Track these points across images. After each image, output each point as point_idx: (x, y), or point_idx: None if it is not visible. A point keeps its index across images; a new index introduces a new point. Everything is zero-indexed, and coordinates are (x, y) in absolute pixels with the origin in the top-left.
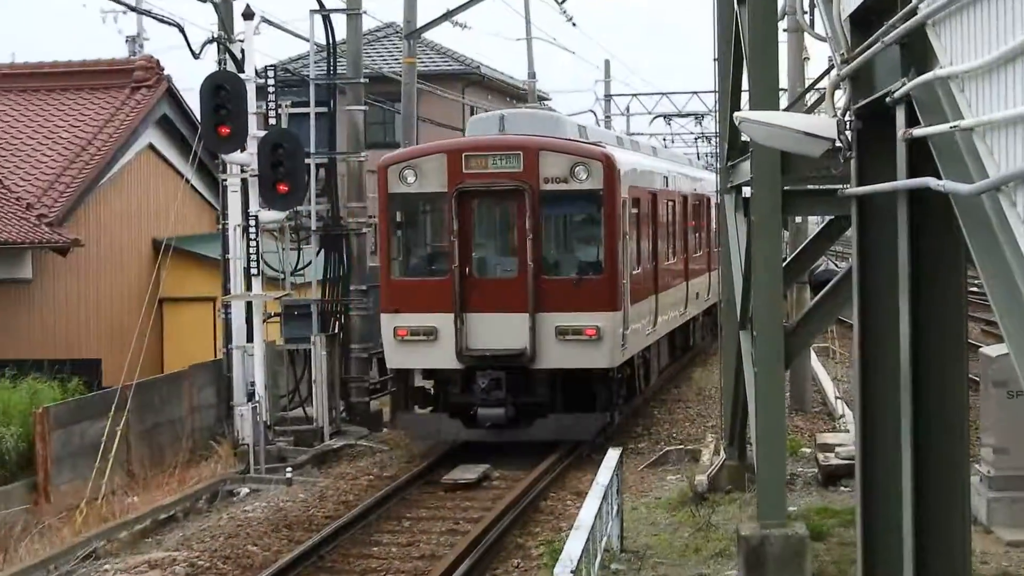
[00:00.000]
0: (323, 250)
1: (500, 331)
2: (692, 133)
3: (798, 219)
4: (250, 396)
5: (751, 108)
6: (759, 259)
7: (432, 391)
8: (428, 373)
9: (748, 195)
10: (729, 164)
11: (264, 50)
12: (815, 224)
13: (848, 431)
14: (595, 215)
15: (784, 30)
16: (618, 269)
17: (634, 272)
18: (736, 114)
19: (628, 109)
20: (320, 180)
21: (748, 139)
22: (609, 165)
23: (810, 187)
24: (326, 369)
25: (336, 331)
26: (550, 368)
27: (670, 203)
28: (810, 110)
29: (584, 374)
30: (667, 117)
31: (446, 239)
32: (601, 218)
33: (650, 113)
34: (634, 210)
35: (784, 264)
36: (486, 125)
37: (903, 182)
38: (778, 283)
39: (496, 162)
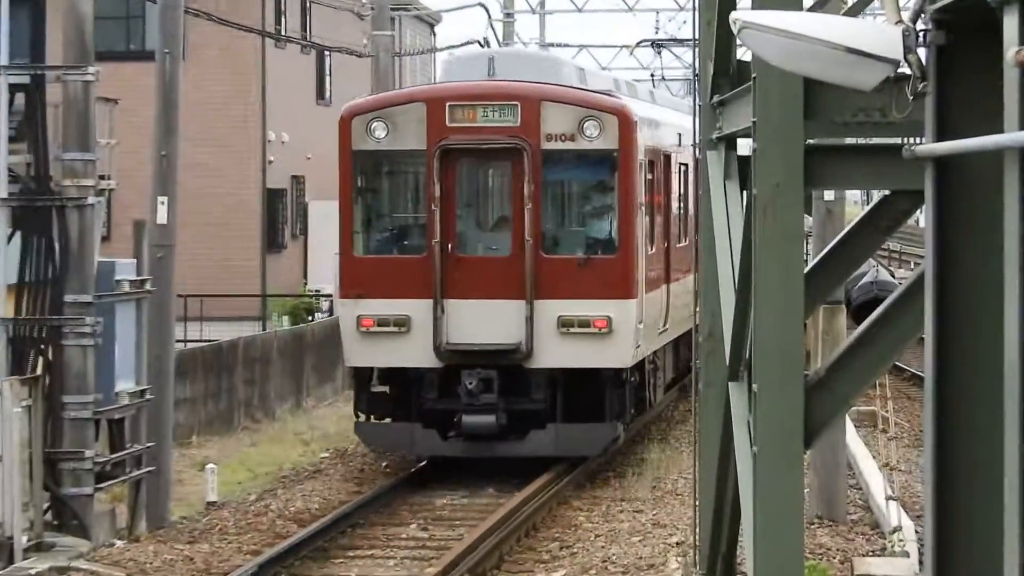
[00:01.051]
0: (19, 233)
1: (489, 322)
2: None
3: (828, 195)
4: None
5: (755, 6)
6: (765, 262)
7: (390, 393)
8: (395, 373)
9: (747, 152)
10: (716, 101)
11: None
12: (855, 205)
13: (908, 555)
14: (607, 181)
15: None
16: (634, 247)
17: (649, 253)
18: (733, 16)
19: (543, 4)
20: (16, 114)
21: (750, 59)
22: (625, 120)
23: (850, 142)
24: (18, 438)
25: (39, 372)
26: (550, 367)
27: (682, 167)
28: (854, 11)
29: (591, 375)
30: (657, 45)
31: (424, 208)
32: (615, 184)
33: (580, 10)
34: (649, 175)
35: (806, 271)
36: (470, 67)
37: (1015, 135)
38: (796, 304)
39: (487, 114)
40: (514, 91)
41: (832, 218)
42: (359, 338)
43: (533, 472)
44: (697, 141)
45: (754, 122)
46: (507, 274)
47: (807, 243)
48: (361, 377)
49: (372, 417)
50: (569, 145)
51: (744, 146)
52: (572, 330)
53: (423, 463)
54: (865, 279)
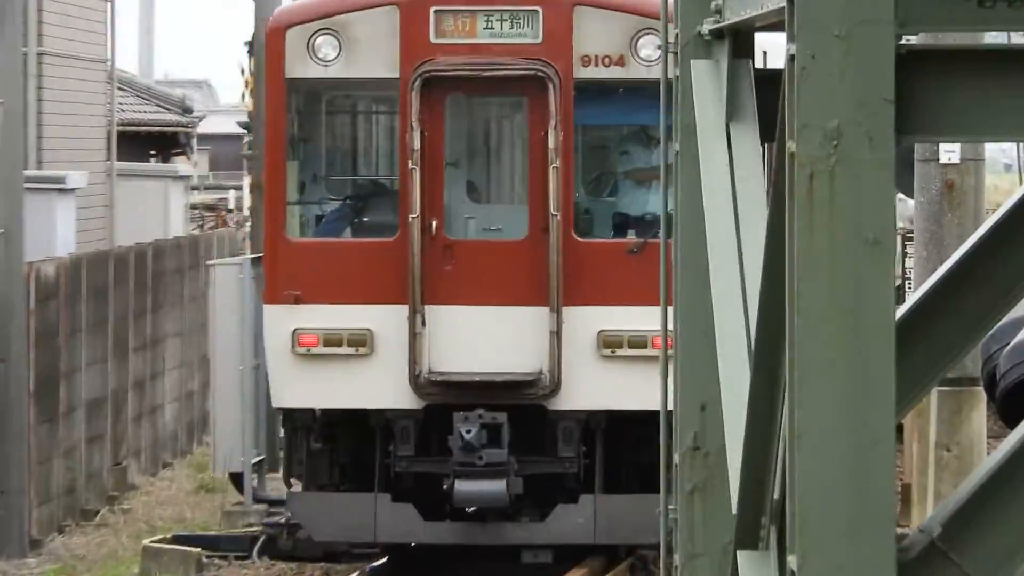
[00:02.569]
0: None
1: (494, 340)
2: None
3: (947, 153)
4: None
5: None
6: (813, 294)
7: (342, 448)
8: (349, 418)
9: (776, 63)
10: None
11: None
12: (1006, 172)
13: None
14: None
15: None
16: None
17: None
18: None
19: None
20: None
21: None
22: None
23: (992, 40)
24: None
25: None
26: (586, 409)
27: None
28: None
29: (647, 421)
30: None
31: (396, 167)
32: None
33: None
34: None
35: (901, 315)
36: None
37: None
38: (880, 384)
39: (492, 24)
40: None
41: (956, 199)
42: (294, 364)
43: (558, 570)
44: (667, 38)
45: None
46: (521, 267)
47: (903, 253)
48: (297, 424)
49: (312, 486)
50: (616, 73)
51: (770, 49)
52: (619, 352)
53: (383, 560)
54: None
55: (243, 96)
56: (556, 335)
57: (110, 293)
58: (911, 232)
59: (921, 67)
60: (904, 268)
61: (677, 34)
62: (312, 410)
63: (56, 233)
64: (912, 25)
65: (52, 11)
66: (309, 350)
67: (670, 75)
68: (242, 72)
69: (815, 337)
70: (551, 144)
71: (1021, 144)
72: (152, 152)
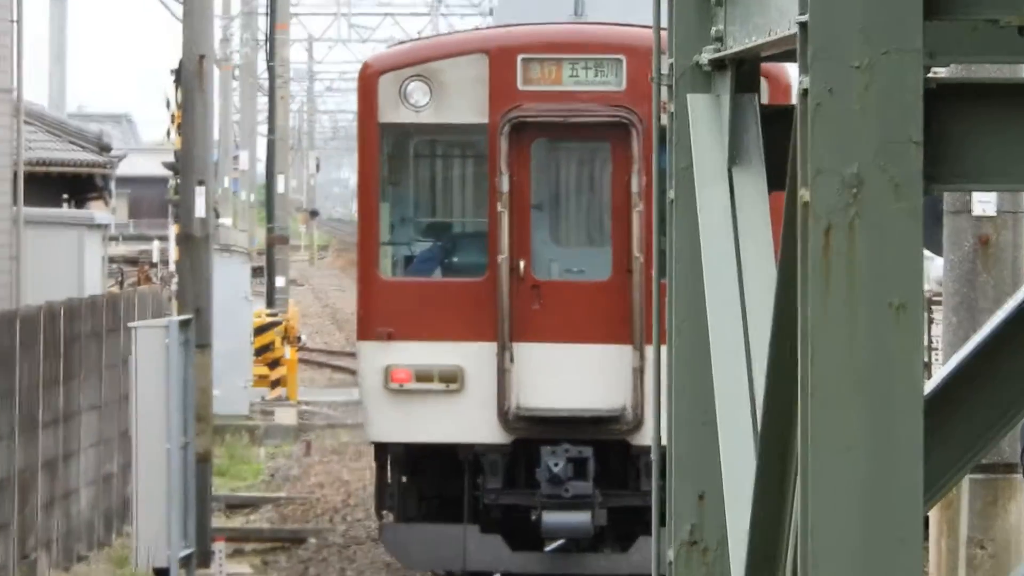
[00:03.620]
0: None
1: (580, 376)
2: None
3: (982, 204)
4: None
5: None
6: (829, 363)
7: (433, 481)
8: (440, 452)
9: (785, 98)
10: None
11: None
12: None
13: None
14: None
15: None
16: None
17: None
18: None
19: None
20: None
21: None
22: (777, 83)
23: None
24: None
25: None
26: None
27: None
28: None
29: None
30: None
31: (484, 210)
32: None
33: None
34: None
35: (930, 391)
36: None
37: None
38: (907, 469)
39: (578, 72)
40: (618, 38)
41: (992, 257)
42: (387, 399)
43: None
44: (659, 68)
45: (802, 23)
46: (606, 307)
47: (929, 320)
48: (390, 457)
49: (403, 518)
50: None
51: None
52: None
53: None
54: None
55: (168, 133)
56: (639, 373)
57: (16, 359)
58: (939, 295)
59: (953, 104)
60: (931, 337)
61: (672, 64)
62: (403, 443)
63: None
64: (943, 55)
65: None
66: (401, 386)
67: (665, 112)
68: (168, 105)
69: (831, 417)
70: (634, 188)
71: None
72: (64, 196)
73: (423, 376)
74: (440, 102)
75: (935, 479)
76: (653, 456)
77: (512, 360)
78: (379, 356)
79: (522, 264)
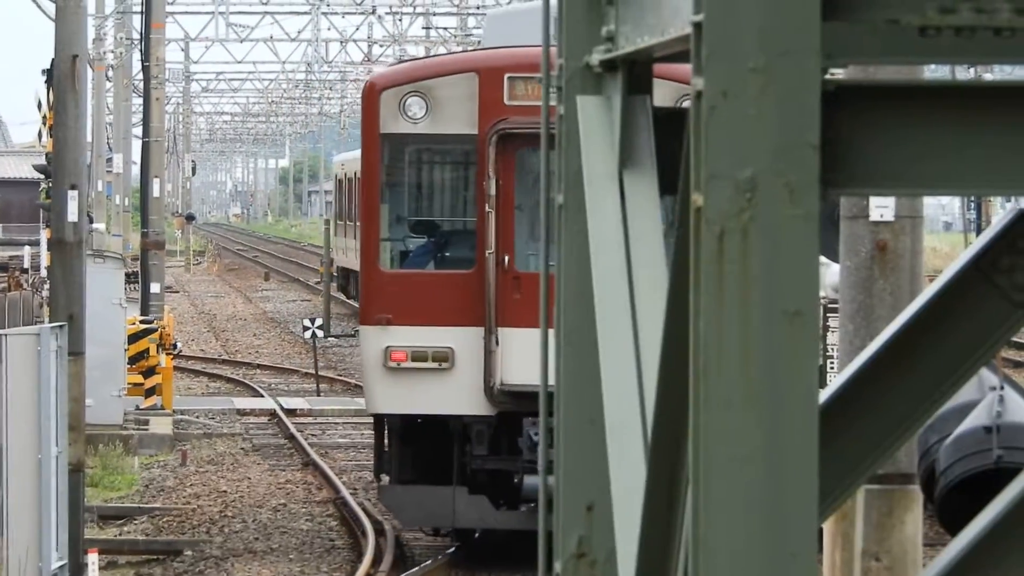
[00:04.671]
0: None
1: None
2: None
3: (880, 209)
4: None
5: None
6: (722, 378)
7: (426, 448)
8: (432, 422)
9: (678, 101)
10: None
11: None
12: (945, 232)
13: None
14: None
15: None
16: None
17: None
18: None
19: None
20: None
21: None
22: None
23: (933, 75)
24: None
25: None
26: None
27: None
28: None
29: None
30: None
31: (474, 210)
32: None
33: None
34: None
35: (824, 401)
36: (527, 24)
37: None
38: (802, 483)
39: None
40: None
41: (890, 263)
42: (386, 376)
43: None
44: (548, 68)
45: (697, 24)
46: None
47: (825, 327)
48: (388, 427)
49: (399, 481)
50: None
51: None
52: None
53: (452, 548)
54: (970, 421)
55: (40, 135)
56: None
57: None
58: (834, 302)
59: (851, 106)
60: (826, 345)
61: (561, 65)
62: (400, 415)
63: None
64: (841, 56)
65: None
66: (399, 364)
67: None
68: (39, 106)
69: (723, 427)
70: None
71: (965, 199)
72: None
73: (418, 356)
74: (435, 115)
75: (830, 490)
76: (540, 466)
77: (497, 343)
78: (379, 339)
79: (507, 258)
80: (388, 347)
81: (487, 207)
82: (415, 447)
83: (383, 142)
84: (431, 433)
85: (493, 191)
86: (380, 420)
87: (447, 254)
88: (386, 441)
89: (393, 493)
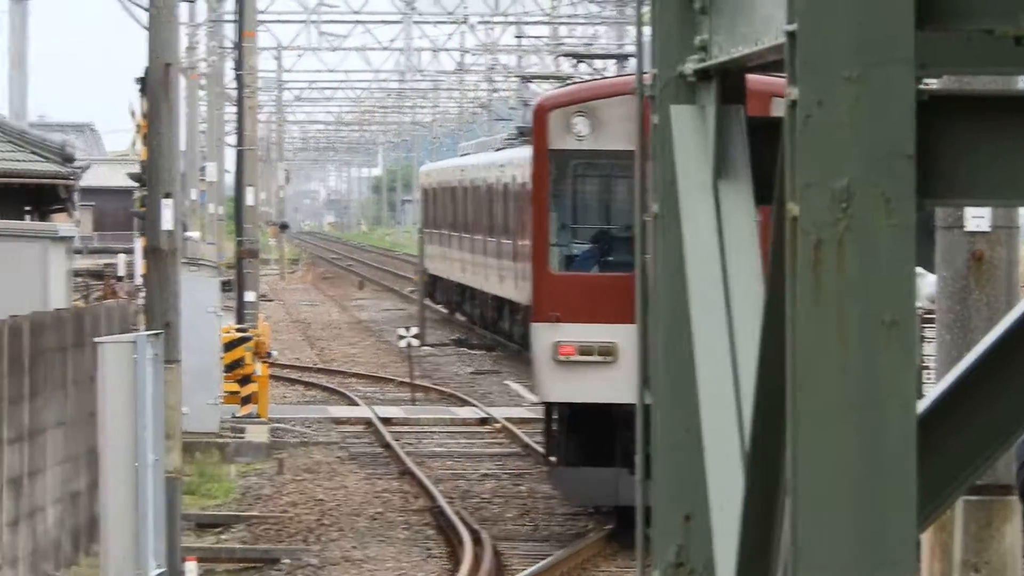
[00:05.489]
0: None
1: None
2: None
3: (975, 219)
4: None
5: None
6: (815, 385)
7: (591, 434)
8: (597, 410)
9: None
10: None
11: None
12: None
13: None
14: None
15: None
16: None
17: None
18: None
19: None
20: None
21: None
22: None
23: None
24: None
25: None
26: None
27: None
28: None
29: None
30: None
31: (629, 218)
32: None
33: None
34: None
35: (923, 411)
36: None
37: None
38: (900, 493)
39: None
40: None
41: (985, 274)
42: (556, 369)
43: None
44: (641, 78)
45: (790, 33)
46: None
47: (922, 337)
48: (557, 415)
49: (567, 463)
50: None
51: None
52: None
53: (610, 527)
54: None
55: (134, 143)
56: None
57: None
58: (930, 312)
59: (946, 116)
60: (922, 355)
61: (655, 74)
62: (568, 403)
63: None
64: (935, 66)
65: None
66: (568, 358)
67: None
68: (133, 115)
69: (821, 437)
70: None
71: None
72: (27, 208)
73: (584, 351)
74: (598, 132)
75: (928, 501)
76: (637, 476)
77: None
78: (550, 334)
79: None
80: (557, 342)
81: (645, 216)
82: (581, 433)
83: (551, 157)
84: (596, 420)
85: None
86: (550, 408)
87: (610, 258)
88: (556, 428)
89: (562, 474)
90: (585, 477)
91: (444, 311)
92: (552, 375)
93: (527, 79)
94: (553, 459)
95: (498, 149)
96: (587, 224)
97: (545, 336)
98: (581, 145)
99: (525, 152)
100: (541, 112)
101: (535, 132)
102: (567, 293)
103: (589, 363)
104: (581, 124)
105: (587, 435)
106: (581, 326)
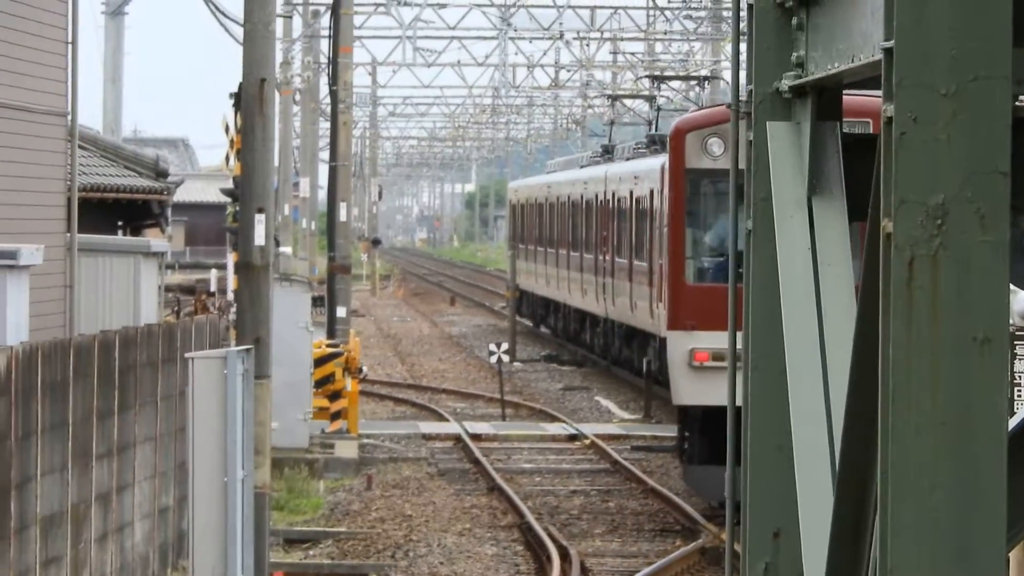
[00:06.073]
0: None
1: None
2: None
3: None
4: None
5: None
6: (908, 412)
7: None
8: (725, 413)
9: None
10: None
11: None
12: None
13: None
14: None
15: None
16: None
17: None
18: None
19: None
20: None
21: None
22: None
23: None
24: None
25: None
26: None
27: None
28: None
29: None
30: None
31: (728, 234)
32: None
33: None
34: None
35: (1012, 430)
36: None
37: None
38: (997, 517)
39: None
40: (864, 105)
41: None
42: (690, 374)
43: None
44: (737, 94)
45: (887, 50)
46: None
47: (1014, 355)
48: (690, 417)
49: (700, 462)
50: None
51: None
52: None
53: (699, 542)
54: None
55: (227, 158)
56: None
57: (70, 390)
58: (1022, 330)
59: None
60: (1014, 372)
61: (751, 91)
62: (702, 406)
63: (6, 318)
64: None
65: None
66: (702, 364)
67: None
68: (227, 130)
69: (912, 453)
70: None
71: None
72: (120, 223)
73: (718, 357)
74: (730, 153)
75: (1018, 517)
76: (727, 491)
77: None
78: (685, 342)
79: None
80: (692, 349)
81: None
82: (714, 434)
83: (687, 176)
84: (725, 421)
85: None
86: (685, 411)
87: (740, 269)
88: (689, 429)
89: (695, 472)
90: (717, 475)
91: (529, 323)
92: (686, 380)
93: (614, 98)
94: (687, 458)
95: (583, 166)
96: (719, 238)
97: (680, 343)
98: (715, 165)
99: (634, 168)
100: (678, 135)
101: (672, 153)
102: (701, 303)
103: (722, 369)
104: (715, 145)
105: (719, 436)
106: (715, 334)
